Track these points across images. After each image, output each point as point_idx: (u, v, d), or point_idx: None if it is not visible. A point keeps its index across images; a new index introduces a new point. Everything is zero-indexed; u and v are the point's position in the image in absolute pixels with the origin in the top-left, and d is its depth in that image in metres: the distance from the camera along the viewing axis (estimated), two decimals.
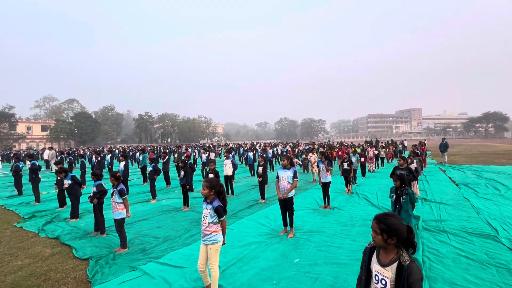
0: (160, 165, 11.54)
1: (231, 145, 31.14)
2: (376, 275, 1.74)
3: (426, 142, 19.35)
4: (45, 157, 18.69)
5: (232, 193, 9.09)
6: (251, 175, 13.57)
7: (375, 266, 1.76)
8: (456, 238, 4.81)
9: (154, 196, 8.65)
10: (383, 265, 1.71)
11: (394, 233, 1.67)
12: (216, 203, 3.14)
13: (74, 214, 6.65)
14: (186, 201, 7.54)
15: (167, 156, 11.52)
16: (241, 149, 21.47)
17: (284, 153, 16.71)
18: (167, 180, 11.15)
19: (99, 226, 5.53)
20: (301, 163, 14.59)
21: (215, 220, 3.14)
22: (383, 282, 1.68)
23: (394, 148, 20.09)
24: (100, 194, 5.50)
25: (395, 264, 1.65)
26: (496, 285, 3.33)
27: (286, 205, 5.14)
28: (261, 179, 8.17)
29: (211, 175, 7.43)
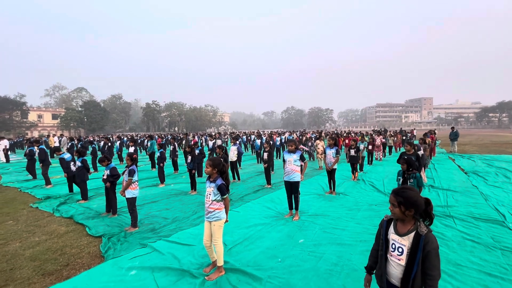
0: (168, 152, 11.76)
1: (237, 133, 31.20)
2: (393, 243, 1.80)
3: (436, 131, 19.01)
4: (52, 144, 19.02)
5: (238, 179, 9.20)
6: (258, 162, 13.66)
7: (392, 235, 1.82)
8: (462, 223, 4.80)
9: (162, 180, 8.85)
10: (401, 234, 1.77)
11: (412, 205, 1.72)
12: (219, 181, 3.22)
13: (84, 196, 6.89)
14: (193, 185, 7.69)
15: (175, 143, 11.68)
16: (245, 137, 21.53)
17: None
18: (175, 166, 11.34)
19: (112, 206, 5.72)
20: (307, 149, 14.56)
21: (218, 198, 3.23)
22: (400, 250, 1.75)
23: (402, 137, 19.79)
24: (113, 178, 5.66)
25: (413, 234, 1.72)
26: (500, 266, 3.35)
27: (292, 189, 5.21)
28: (266, 165, 8.24)
29: None
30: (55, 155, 9.10)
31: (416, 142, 16.42)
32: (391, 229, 1.85)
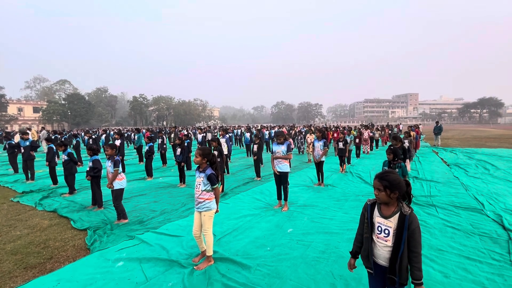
0: (156, 146, 11.53)
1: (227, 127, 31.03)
2: (379, 226, 1.86)
3: (420, 126, 19.66)
4: (34, 138, 18.24)
5: (228, 172, 9.18)
6: (247, 155, 13.66)
7: (377, 218, 1.88)
8: (443, 211, 4.99)
9: (150, 174, 8.69)
10: (386, 217, 1.84)
11: (396, 187, 1.79)
12: (209, 171, 3.19)
13: (70, 189, 6.70)
14: (182, 178, 7.61)
15: (163, 136, 11.48)
16: (235, 131, 21.45)
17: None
18: (164, 159, 11.18)
19: (97, 200, 5.58)
20: (297, 143, 14.67)
21: (208, 188, 3.20)
22: (386, 231, 1.82)
23: (389, 131, 20.29)
24: (94, 171, 5.47)
25: (397, 215, 1.80)
26: (479, 250, 3.51)
27: (281, 179, 5.25)
28: (255, 157, 8.24)
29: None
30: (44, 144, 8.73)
31: (401, 136, 16.90)
32: (376, 212, 1.90)
